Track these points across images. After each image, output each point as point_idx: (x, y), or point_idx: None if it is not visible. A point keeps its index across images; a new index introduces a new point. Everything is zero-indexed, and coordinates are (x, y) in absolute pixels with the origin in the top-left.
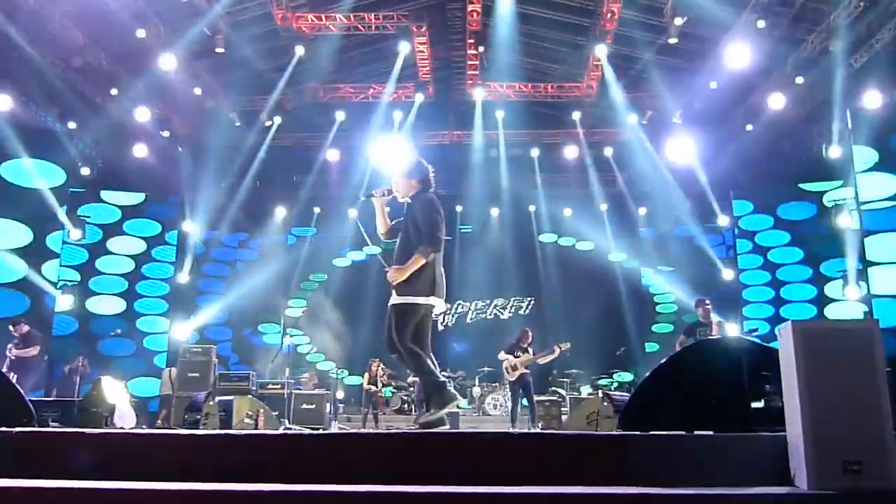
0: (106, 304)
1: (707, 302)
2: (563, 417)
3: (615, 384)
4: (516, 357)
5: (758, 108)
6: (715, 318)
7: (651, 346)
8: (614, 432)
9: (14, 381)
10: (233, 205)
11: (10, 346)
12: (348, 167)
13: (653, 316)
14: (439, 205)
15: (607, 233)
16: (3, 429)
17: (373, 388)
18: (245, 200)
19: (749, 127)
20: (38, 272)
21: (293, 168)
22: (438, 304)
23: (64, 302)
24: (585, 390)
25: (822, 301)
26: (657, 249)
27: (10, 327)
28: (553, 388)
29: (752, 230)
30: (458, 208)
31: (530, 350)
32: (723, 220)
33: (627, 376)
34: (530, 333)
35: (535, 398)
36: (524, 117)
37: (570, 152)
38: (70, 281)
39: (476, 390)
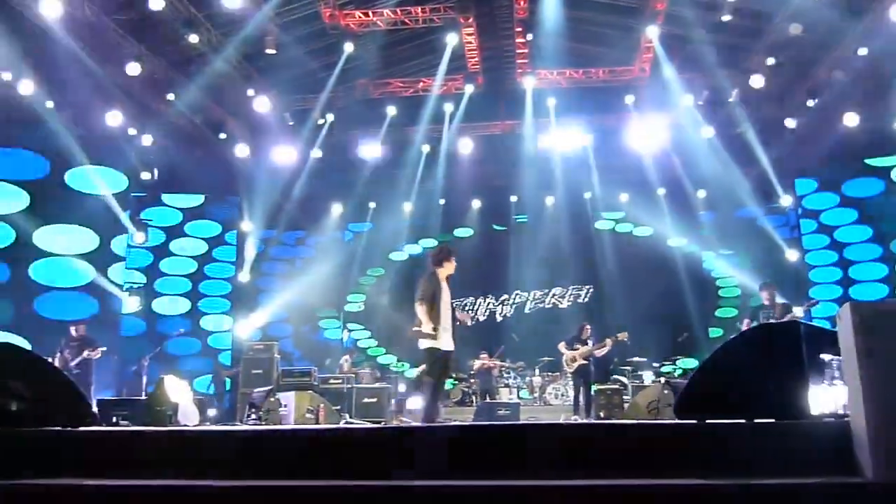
0: (171, 305)
1: (771, 285)
2: (626, 406)
3: (678, 371)
4: (574, 349)
5: (819, 82)
6: (780, 300)
7: (715, 332)
8: (669, 421)
9: (78, 381)
10: (289, 203)
11: (65, 351)
12: (401, 160)
13: (716, 300)
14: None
15: (666, 217)
16: (68, 428)
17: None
18: (301, 198)
19: (810, 102)
20: (105, 275)
21: (347, 164)
22: None
23: (131, 304)
24: (648, 378)
25: (894, 280)
26: (718, 232)
27: (72, 329)
28: (615, 377)
29: (816, 209)
30: (513, 198)
31: (589, 342)
32: (785, 200)
33: (691, 362)
34: (588, 327)
35: (597, 386)
36: (576, 103)
37: (626, 136)
38: (136, 283)
39: (537, 380)
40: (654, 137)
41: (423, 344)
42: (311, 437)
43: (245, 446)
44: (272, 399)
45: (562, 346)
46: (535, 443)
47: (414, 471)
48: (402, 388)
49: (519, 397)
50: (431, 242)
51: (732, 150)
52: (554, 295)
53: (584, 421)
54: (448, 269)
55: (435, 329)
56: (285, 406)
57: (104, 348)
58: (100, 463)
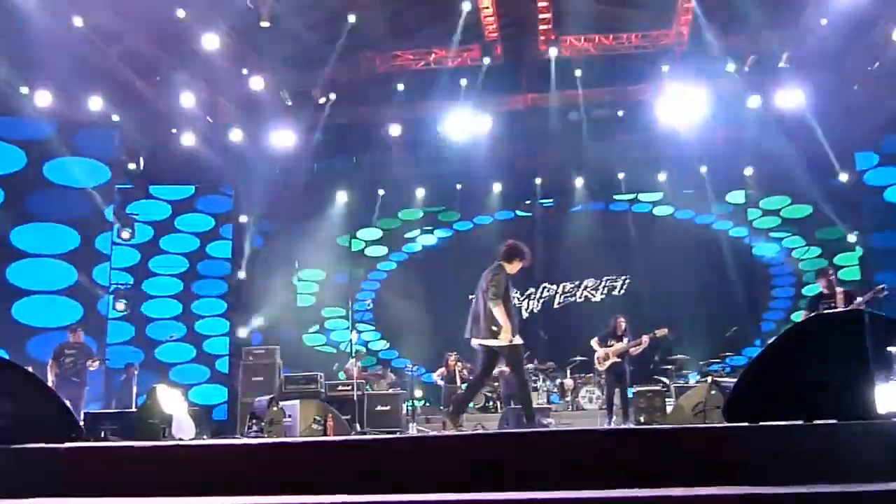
0: (162, 307)
1: (830, 271)
2: (669, 409)
3: (727, 369)
4: (608, 346)
5: (879, 44)
6: (840, 288)
7: (768, 325)
8: (717, 424)
9: (73, 392)
10: (290, 192)
11: (63, 358)
12: (413, 141)
13: (768, 290)
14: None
15: (709, 198)
16: (51, 445)
17: (451, 384)
18: (303, 187)
19: (871, 66)
20: (89, 277)
21: (352, 148)
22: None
23: (118, 307)
24: (693, 378)
25: None
26: (768, 214)
27: (69, 334)
28: (656, 377)
29: (878, 185)
30: (538, 180)
31: (624, 339)
32: (843, 176)
33: (741, 360)
34: (623, 321)
35: (637, 388)
36: (606, 74)
37: (661, 110)
38: (123, 284)
39: (568, 382)
40: (695, 109)
41: (499, 342)
42: (321, 449)
43: (247, 461)
44: (275, 409)
45: (594, 343)
46: (569, 451)
47: (435, 483)
48: (418, 393)
49: (549, 402)
50: (447, 232)
51: (782, 122)
52: (586, 287)
53: (619, 426)
54: (515, 267)
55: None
56: (289, 416)
57: (108, 360)
58: (85, 482)
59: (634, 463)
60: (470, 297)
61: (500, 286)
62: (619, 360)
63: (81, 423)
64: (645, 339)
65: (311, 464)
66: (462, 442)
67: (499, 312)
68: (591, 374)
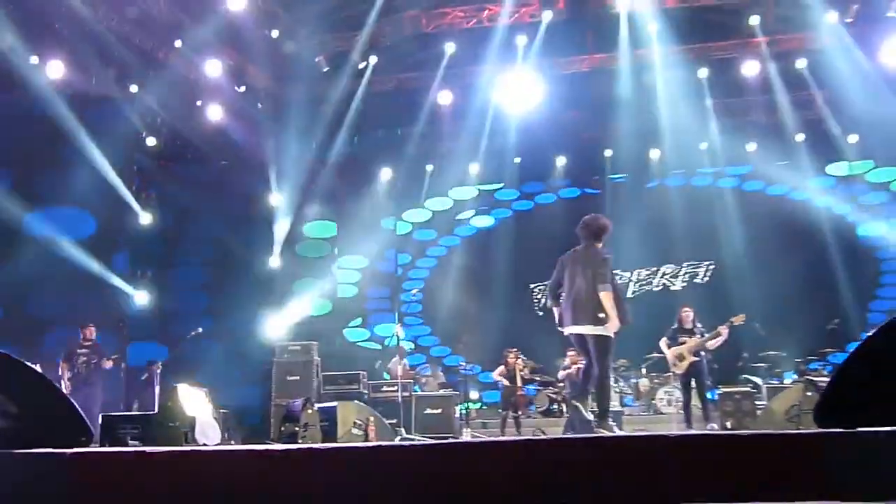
0: (187, 300)
1: None
2: (759, 413)
3: (828, 368)
4: (680, 343)
5: None
6: None
7: (877, 316)
8: (807, 430)
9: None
10: (328, 169)
11: (75, 357)
12: (464, 110)
13: (876, 277)
14: None
15: (806, 171)
16: (57, 450)
17: (510, 384)
18: (342, 162)
19: None
20: (107, 266)
21: (397, 118)
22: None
23: (139, 299)
24: (790, 377)
25: None
26: (876, 188)
27: (81, 330)
28: (745, 376)
29: None
30: (607, 153)
31: (696, 332)
32: None
33: (844, 357)
34: (690, 311)
35: (723, 389)
36: (686, 29)
37: (750, 69)
38: (145, 274)
39: (644, 383)
40: (788, 68)
41: (602, 331)
42: (355, 455)
43: (279, 469)
44: (310, 411)
45: (663, 344)
46: (622, 459)
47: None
48: (473, 395)
49: (622, 405)
50: (505, 213)
51: (891, 81)
52: (664, 274)
53: (696, 431)
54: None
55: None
56: (326, 420)
57: (116, 356)
58: (97, 491)
59: (705, 473)
60: (532, 284)
61: (607, 270)
62: (696, 358)
63: (99, 427)
64: (723, 330)
65: (344, 472)
66: (521, 449)
67: (607, 298)
68: (670, 374)
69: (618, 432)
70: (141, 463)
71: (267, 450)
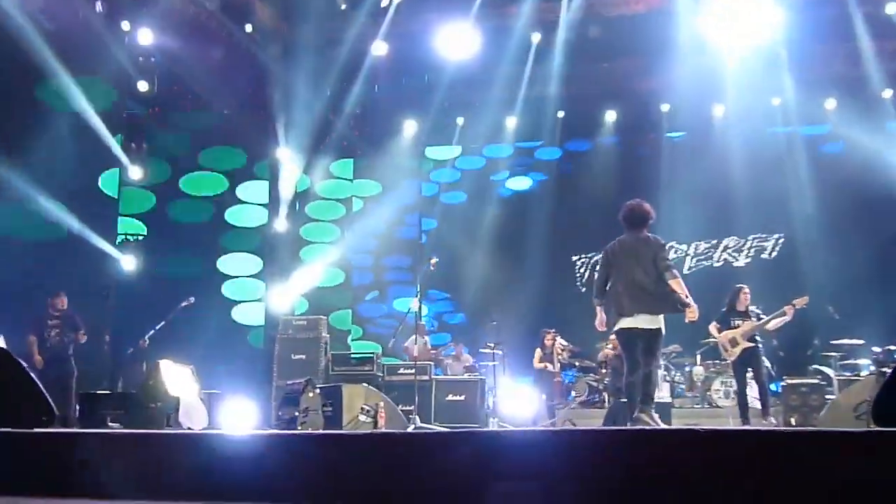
0: (181, 265)
1: None
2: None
3: None
4: (734, 327)
5: None
6: None
7: None
8: (865, 429)
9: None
10: (343, 121)
11: (47, 331)
12: (499, 55)
13: None
14: None
15: (893, 133)
16: (15, 430)
17: (548, 367)
18: (359, 114)
19: None
20: (90, 226)
21: (424, 64)
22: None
23: (127, 263)
24: (867, 369)
25: None
26: None
27: (50, 300)
28: (815, 366)
29: None
30: (664, 107)
31: (752, 314)
32: None
33: None
34: (746, 291)
35: (787, 380)
36: None
37: (829, 13)
38: (133, 235)
39: (698, 371)
40: (876, 13)
41: (655, 325)
42: (366, 443)
43: (268, 457)
44: (311, 394)
45: (713, 329)
46: (679, 458)
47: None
48: (503, 380)
49: (673, 395)
50: (546, 174)
51: None
52: (726, 248)
53: (761, 427)
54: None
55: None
56: (329, 404)
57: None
58: (59, 478)
59: (760, 473)
60: (574, 257)
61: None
62: (751, 343)
63: (77, 407)
64: (789, 309)
65: (345, 461)
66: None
67: (679, 285)
68: (728, 362)
69: (661, 425)
70: (108, 445)
71: (254, 435)
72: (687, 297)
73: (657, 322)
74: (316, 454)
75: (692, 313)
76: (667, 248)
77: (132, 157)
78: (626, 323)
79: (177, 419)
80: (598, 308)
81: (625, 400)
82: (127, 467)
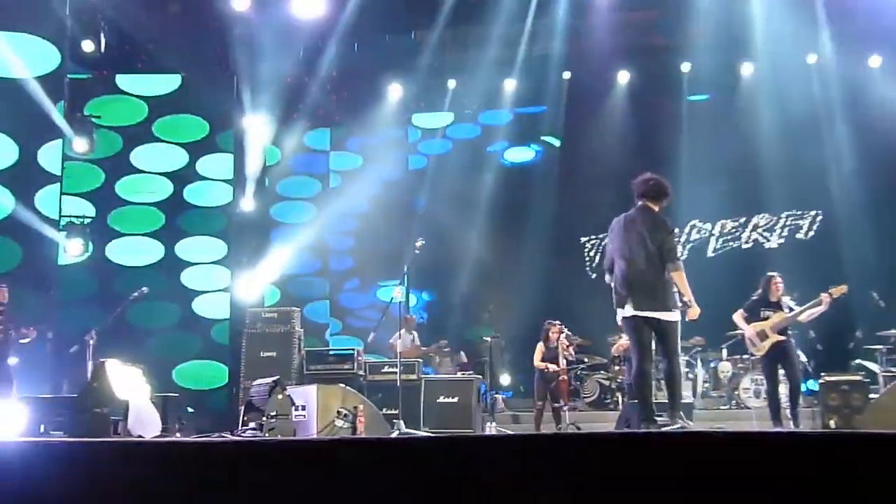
0: (134, 250)
1: None
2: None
3: None
4: (763, 319)
5: None
6: None
7: None
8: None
9: None
10: (318, 84)
11: None
12: (497, 7)
13: None
14: None
15: None
16: None
17: (551, 367)
18: (337, 77)
19: None
20: (30, 205)
21: (410, 18)
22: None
23: (72, 249)
24: None
25: None
26: None
27: None
28: (858, 361)
29: None
30: (684, 66)
31: (784, 304)
32: None
33: None
34: (778, 279)
35: (828, 378)
36: None
37: None
38: (79, 217)
39: (724, 367)
40: None
41: (670, 316)
42: (342, 451)
43: (229, 468)
44: (280, 397)
45: (738, 318)
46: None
47: None
48: (504, 380)
49: (696, 395)
50: (550, 143)
51: None
52: (756, 227)
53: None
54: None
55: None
56: (303, 408)
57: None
58: None
59: (786, 481)
60: (583, 238)
61: (675, 242)
62: (782, 337)
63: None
64: (826, 298)
65: (320, 472)
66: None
67: (680, 278)
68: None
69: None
70: (46, 457)
71: (212, 443)
72: (689, 291)
73: (674, 314)
74: (284, 464)
75: (693, 313)
76: (666, 230)
77: (76, 128)
78: (632, 312)
79: (126, 427)
80: (611, 283)
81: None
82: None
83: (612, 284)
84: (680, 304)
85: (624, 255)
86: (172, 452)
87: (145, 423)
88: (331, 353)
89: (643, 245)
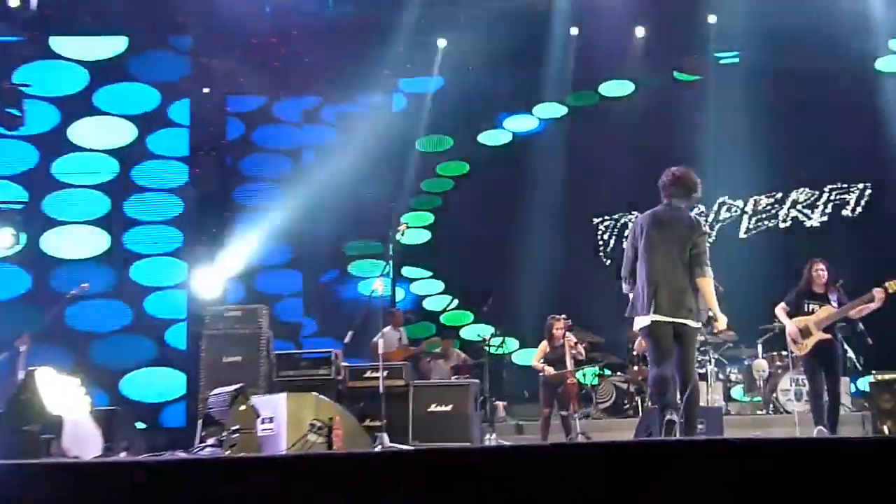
0: (74, 241)
1: None
2: None
3: None
4: (808, 312)
5: None
6: None
7: None
8: None
9: None
10: (288, 46)
11: None
12: None
13: None
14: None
15: None
16: None
17: (548, 369)
18: (310, 35)
19: None
20: None
21: None
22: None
23: (1, 240)
24: None
25: None
26: None
27: None
28: None
29: None
30: (711, 17)
31: (833, 298)
32: None
33: None
34: (823, 267)
35: (879, 376)
36: None
37: None
38: (9, 202)
39: (759, 366)
40: None
41: (698, 324)
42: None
43: (179, 491)
44: (242, 408)
45: (780, 312)
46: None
47: None
48: (506, 384)
49: (727, 398)
50: (557, 111)
51: None
52: (796, 203)
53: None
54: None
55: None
56: (270, 420)
57: None
58: None
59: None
60: (595, 219)
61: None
62: (826, 335)
63: None
64: (879, 293)
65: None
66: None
67: (708, 286)
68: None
69: None
70: None
71: (159, 463)
72: (715, 302)
73: (697, 322)
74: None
75: (721, 324)
76: (703, 238)
77: (3, 99)
78: (654, 318)
79: (60, 446)
80: (630, 294)
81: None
82: None
83: (632, 292)
84: (701, 318)
85: (652, 259)
86: (114, 474)
87: (83, 441)
88: (304, 356)
89: (677, 247)
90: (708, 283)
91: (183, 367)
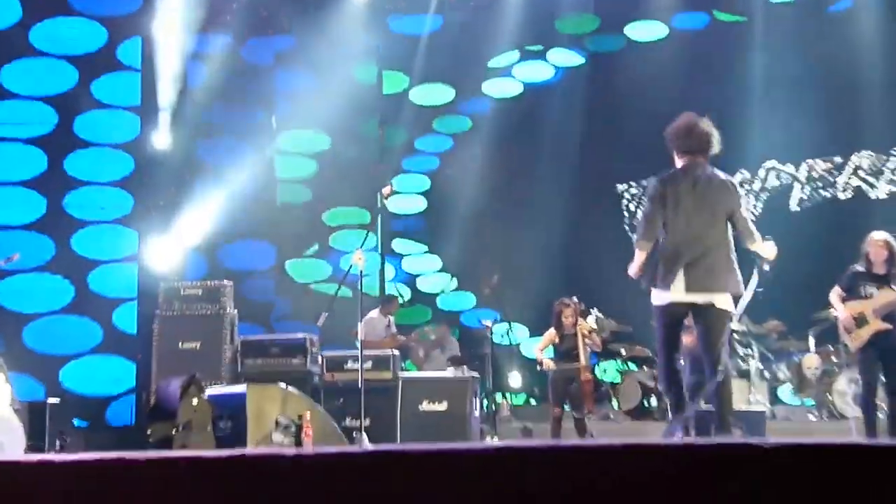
0: (3, 203)
1: None
2: None
3: None
4: (864, 297)
5: None
6: None
7: None
8: None
9: None
10: None
11: None
12: None
13: None
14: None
15: None
16: None
17: (547, 362)
18: None
19: None
20: None
21: None
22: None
23: None
24: None
25: None
26: None
27: None
28: None
29: None
30: None
31: (894, 279)
32: None
33: None
34: (886, 241)
35: None
36: None
37: None
38: None
39: (810, 362)
40: None
41: (729, 304)
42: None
43: (106, 497)
44: (195, 401)
45: (834, 297)
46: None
47: None
48: (512, 380)
49: (772, 401)
50: (576, 57)
51: None
52: (857, 170)
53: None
54: None
55: None
56: (228, 418)
57: None
58: None
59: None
60: (620, 186)
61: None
62: (887, 325)
63: None
64: None
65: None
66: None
67: (770, 244)
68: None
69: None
70: None
71: (84, 462)
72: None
73: (727, 300)
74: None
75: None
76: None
77: None
78: (678, 296)
79: None
80: (639, 252)
81: (708, 408)
82: None
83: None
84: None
85: (682, 224)
86: (36, 474)
87: (4, 437)
88: (275, 342)
89: (701, 211)
90: (766, 246)
91: (132, 355)
